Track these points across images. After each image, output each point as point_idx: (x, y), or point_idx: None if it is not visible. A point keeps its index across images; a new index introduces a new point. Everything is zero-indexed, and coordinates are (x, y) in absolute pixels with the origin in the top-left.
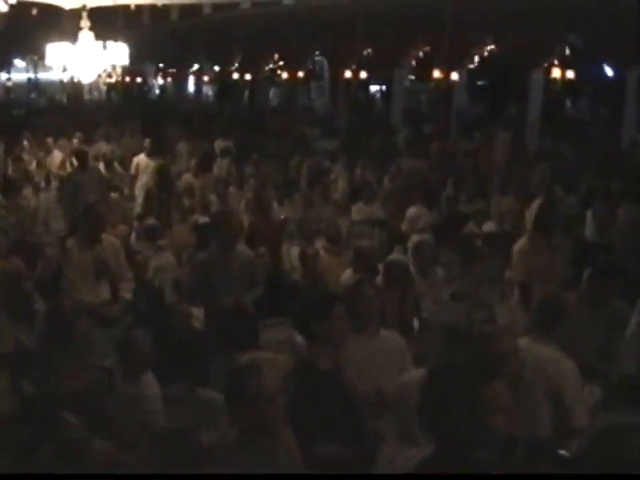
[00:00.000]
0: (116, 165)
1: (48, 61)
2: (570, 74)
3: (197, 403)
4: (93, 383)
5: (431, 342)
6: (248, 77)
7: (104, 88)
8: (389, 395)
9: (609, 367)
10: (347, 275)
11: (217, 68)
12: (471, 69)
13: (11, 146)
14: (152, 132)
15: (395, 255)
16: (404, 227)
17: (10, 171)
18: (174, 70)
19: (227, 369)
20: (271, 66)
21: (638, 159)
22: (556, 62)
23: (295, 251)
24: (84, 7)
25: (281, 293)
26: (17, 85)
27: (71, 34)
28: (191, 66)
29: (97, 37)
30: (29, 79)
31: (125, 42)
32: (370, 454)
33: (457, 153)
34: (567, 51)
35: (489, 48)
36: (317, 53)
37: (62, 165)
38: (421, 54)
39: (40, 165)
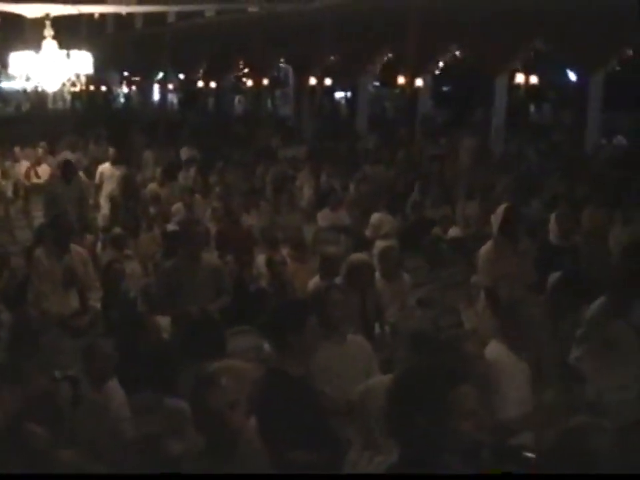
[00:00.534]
0: (81, 174)
1: (11, 70)
2: (534, 79)
3: (164, 412)
4: (59, 393)
5: (397, 347)
6: (213, 84)
7: (68, 97)
8: (355, 401)
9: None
10: (314, 281)
11: (181, 76)
12: (435, 74)
13: None
14: (117, 141)
15: (357, 255)
16: (369, 233)
17: None
18: (139, 78)
19: (194, 377)
20: (235, 74)
21: (601, 163)
22: (520, 67)
23: (261, 258)
24: (47, 16)
25: (248, 300)
26: None
27: (35, 43)
28: (156, 74)
29: (61, 45)
30: None
31: (89, 50)
32: (339, 460)
33: (422, 159)
34: (531, 57)
35: (453, 54)
36: (282, 60)
37: (27, 174)
38: (385, 60)
39: (5, 174)
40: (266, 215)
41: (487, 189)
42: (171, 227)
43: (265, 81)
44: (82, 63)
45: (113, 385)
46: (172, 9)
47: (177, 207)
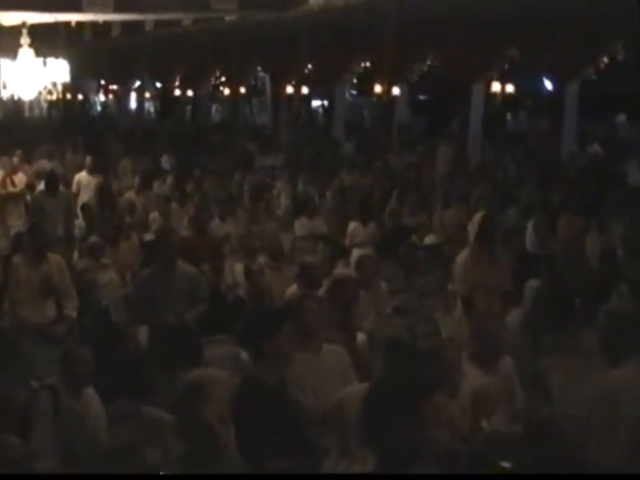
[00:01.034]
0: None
1: None
2: (510, 88)
3: (141, 421)
4: (37, 402)
5: (374, 356)
6: (190, 93)
7: (45, 105)
8: (331, 410)
9: None
10: (292, 290)
11: (158, 84)
12: (412, 83)
13: None
14: (94, 149)
15: (341, 270)
16: (346, 241)
17: None
18: (115, 86)
19: (171, 386)
20: (212, 82)
21: (577, 171)
22: (496, 76)
23: (238, 267)
24: (24, 24)
25: (225, 309)
26: None
27: (11, 51)
28: (133, 82)
29: (37, 53)
30: None
31: (65, 59)
32: (315, 469)
33: (399, 167)
34: (507, 65)
35: (429, 62)
36: (259, 68)
37: (2, 183)
38: (362, 69)
39: None
40: (243, 224)
41: (463, 196)
42: (148, 235)
43: (242, 90)
44: (59, 71)
45: (90, 393)
46: (149, 17)
47: (154, 215)
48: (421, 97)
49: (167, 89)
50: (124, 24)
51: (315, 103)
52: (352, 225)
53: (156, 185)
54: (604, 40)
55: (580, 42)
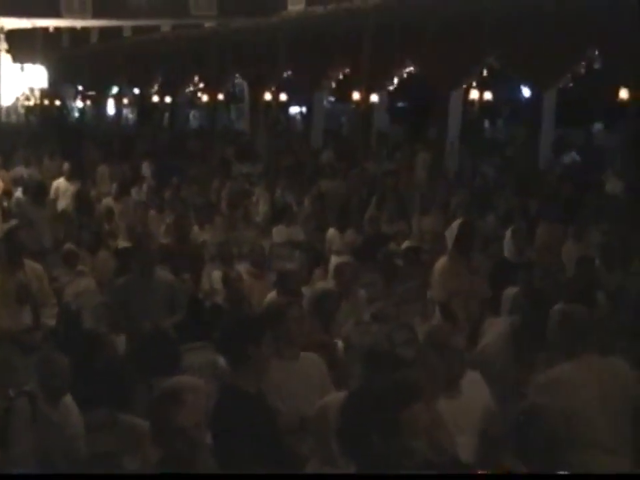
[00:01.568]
0: None
1: None
2: (488, 95)
3: (119, 429)
4: (15, 410)
5: (352, 363)
6: (168, 99)
7: (22, 111)
8: (309, 418)
9: None
10: (271, 297)
11: (136, 90)
12: (390, 90)
13: None
14: (71, 155)
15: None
16: (325, 248)
17: None
18: (93, 93)
19: (149, 394)
20: (191, 88)
21: (555, 179)
22: (474, 84)
23: (216, 274)
24: (1, 29)
25: (203, 316)
26: None
27: None
28: (111, 89)
29: (15, 59)
30: None
31: (43, 64)
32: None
33: (377, 174)
34: (485, 73)
35: (408, 70)
36: (237, 75)
37: None
38: (340, 76)
39: None
40: (221, 231)
41: (442, 204)
42: (124, 243)
43: (221, 96)
44: (36, 76)
45: (68, 401)
46: (127, 23)
47: (131, 222)
48: (400, 104)
49: (145, 95)
50: (102, 30)
51: (294, 110)
52: (330, 232)
53: (134, 191)
54: (581, 49)
55: (557, 50)
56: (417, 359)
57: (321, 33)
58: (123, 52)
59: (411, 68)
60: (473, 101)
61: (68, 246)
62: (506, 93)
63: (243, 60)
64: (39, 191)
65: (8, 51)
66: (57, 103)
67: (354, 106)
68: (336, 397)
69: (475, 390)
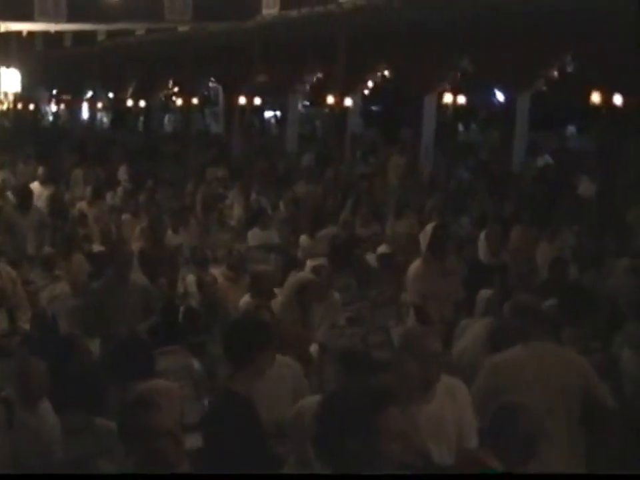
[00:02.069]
0: (8, 193)
1: None
2: (462, 99)
3: (95, 433)
4: None
5: (327, 367)
6: (142, 103)
7: None
8: (285, 422)
9: None
10: (245, 300)
11: (111, 94)
12: (364, 94)
13: None
14: (46, 159)
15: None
16: (299, 252)
17: None
18: (68, 96)
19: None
20: (165, 92)
21: (528, 182)
22: (448, 88)
23: (190, 277)
24: None
25: (178, 320)
26: None
27: None
28: (85, 92)
29: None
30: None
31: (17, 68)
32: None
33: (352, 177)
34: (459, 77)
35: (382, 74)
36: (212, 79)
37: None
38: (314, 80)
39: None
40: (195, 234)
41: (416, 207)
42: (98, 247)
43: (195, 100)
44: (10, 80)
45: (46, 406)
46: (101, 27)
47: (106, 226)
48: (374, 108)
49: (120, 99)
50: (76, 33)
51: (268, 114)
52: (304, 236)
53: (109, 195)
54: (554, 52)
55: (531, 54)
56: (392, 361)
57: (295, 37)
58: (97, 56)
59: (385, 72)
60: (446, 105)
61: (47, 250)
62: (480, 96)
63: (218, 64)
64: (24, 196)
65: None
66: (31, 107)
67: (328, 110)
68: (315, 399)
69: (451, 395)
